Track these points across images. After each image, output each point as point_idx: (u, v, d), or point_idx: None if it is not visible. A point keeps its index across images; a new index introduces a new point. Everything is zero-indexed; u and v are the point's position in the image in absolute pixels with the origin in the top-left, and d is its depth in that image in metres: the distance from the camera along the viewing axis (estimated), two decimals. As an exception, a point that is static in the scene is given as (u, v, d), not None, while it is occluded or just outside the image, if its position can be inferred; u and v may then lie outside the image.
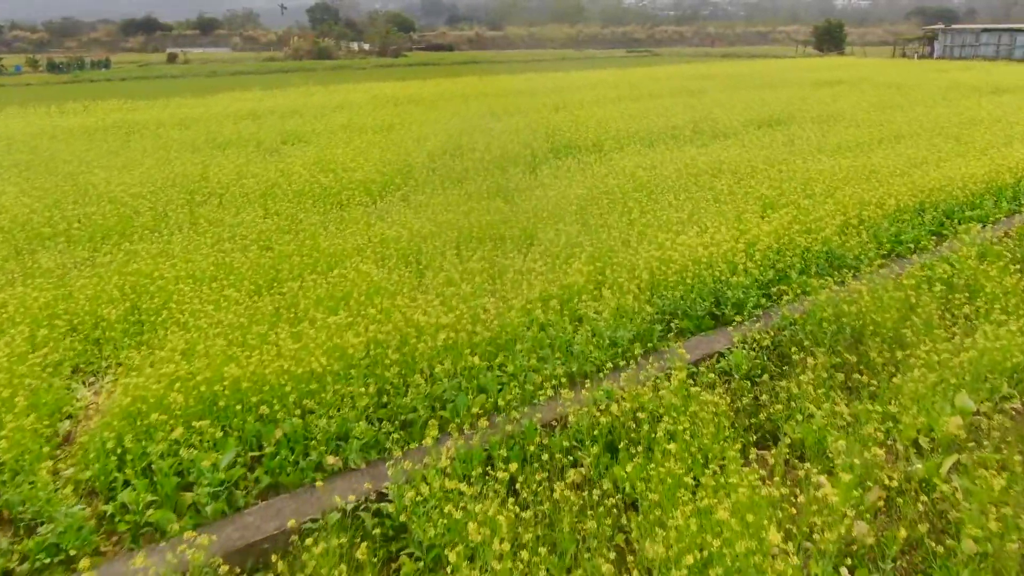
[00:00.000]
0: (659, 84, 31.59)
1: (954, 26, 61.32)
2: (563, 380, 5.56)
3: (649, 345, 6.47)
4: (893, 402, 5.29)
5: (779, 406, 5.34)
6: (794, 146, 15.13)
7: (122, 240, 9.33)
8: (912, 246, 9.32)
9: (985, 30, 57.48)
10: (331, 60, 65.21)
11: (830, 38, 71.32)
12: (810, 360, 5.73)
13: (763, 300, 7.45)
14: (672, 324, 6.92)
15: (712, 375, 5.74)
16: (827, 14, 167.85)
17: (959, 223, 10.07)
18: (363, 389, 5.37)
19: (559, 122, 19.21)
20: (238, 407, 5.12)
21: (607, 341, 6.32)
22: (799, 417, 5.18)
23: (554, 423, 5.20)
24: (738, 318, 6.90)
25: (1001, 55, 54.73)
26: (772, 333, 6.66)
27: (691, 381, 5.39)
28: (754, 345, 6.43)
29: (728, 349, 6.38)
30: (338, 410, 5.23)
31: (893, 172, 12.21)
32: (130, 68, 57.01)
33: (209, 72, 54.38)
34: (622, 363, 5.84)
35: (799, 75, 36.51)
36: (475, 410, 5.27)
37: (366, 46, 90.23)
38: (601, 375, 5.88)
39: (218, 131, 19.50)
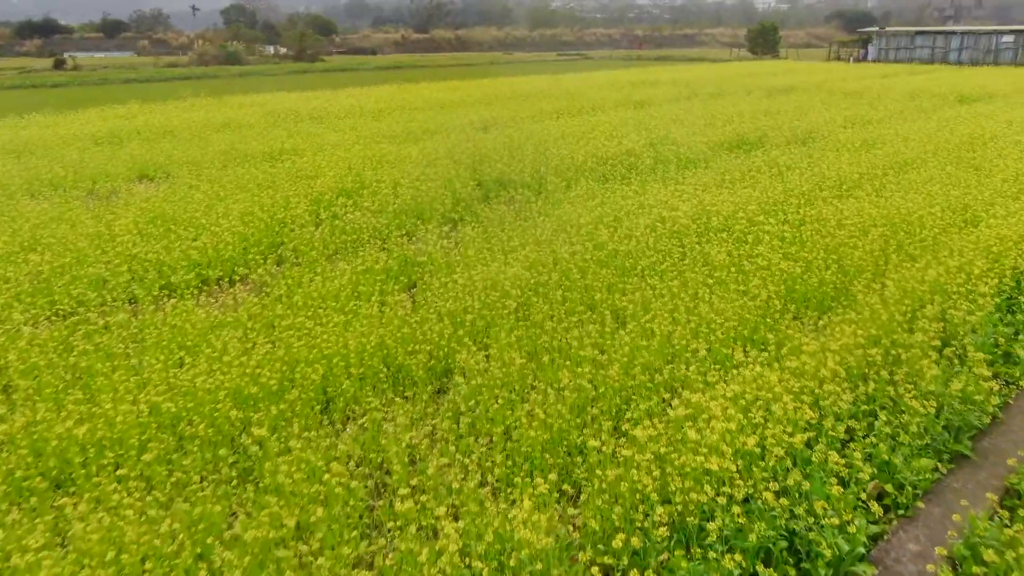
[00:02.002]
0: (600, 93, 28.30)
1: (888, 29, 60.40)
2: None
3: None
4: None
5: None
6: (786, 181, 11.87)
7: None
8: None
9: (919, 32, 56.60)
10: (240, 66, 59.88)
11: (764, 41, 69.84)
12: None
13: None
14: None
15: None
16: (749, 17, 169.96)
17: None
18: None
19: (488, 147, 15.57)
20: None
21: None
22: None
23: None
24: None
25: (936, 58, 53.82)
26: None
27: None
28: None
29: None
30: None
31: (937, 223, 9.02)
32: (8, 75, 50.63)
33: (99, 80, 48.57)
34: None
35: (746, 81, 33.85)
36: None
37: (282, 50, 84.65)
38: None
39: (53, 162, 15.13)
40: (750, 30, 74.69)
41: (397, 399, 5.65)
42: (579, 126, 18.70)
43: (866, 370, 5.32)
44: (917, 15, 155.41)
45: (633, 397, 5.32)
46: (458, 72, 49.24)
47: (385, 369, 6.04)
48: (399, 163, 14.37)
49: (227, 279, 8.52)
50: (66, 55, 63.00)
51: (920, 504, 4.44)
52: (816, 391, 4.98)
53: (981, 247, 8.08)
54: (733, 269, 7.80)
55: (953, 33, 55.21)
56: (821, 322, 6.56)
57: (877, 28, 62.95)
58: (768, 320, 6.53)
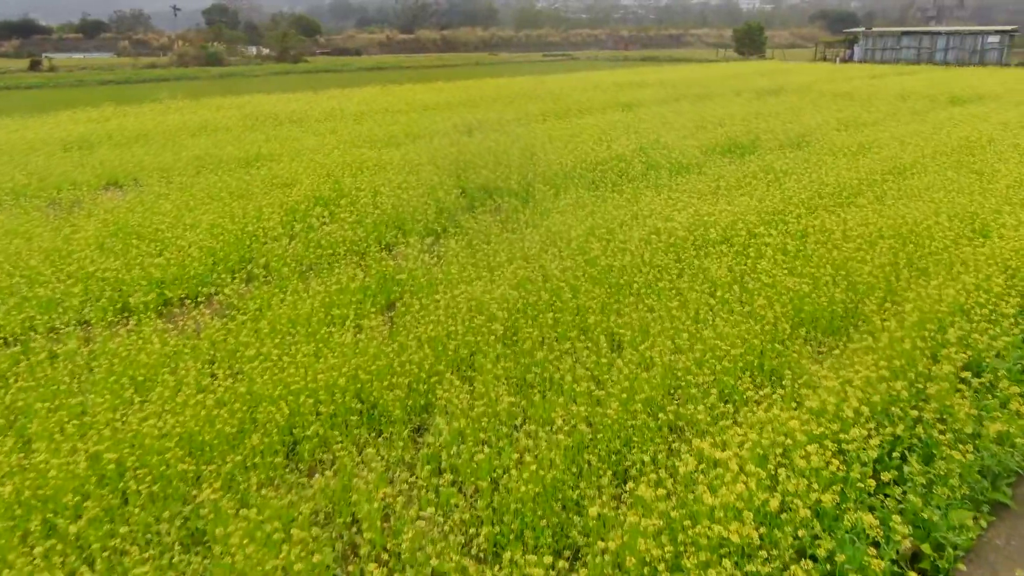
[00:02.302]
0: (587, 95, 27.79)
1: (874, 29, 60.30)
2: None
3: None
4: None
5: None
6: (784, 187, 11.39)
7: None
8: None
9: (905, 33, 56.51)
10: (221, 66, 58.88)
11: (750, 41, 69.59)
12: None
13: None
14: None
15: None
16: (734, 17, 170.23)
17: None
18: None
19: (473, 152, 15.00)
20: None
21: None
22: None
23: None
24: None
25: (923, 58, 53.74)
26: None
27: None
28: None
29: None
30: None
31: (947, 234, 8.54)
32: (-17, 77, 49.48)
33: (75, 81, 47.47)
34: None
35: (735, 83, 33.46)
36: None
37: (265, 51, 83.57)
38: None
39: (16, 169, 14.40)
40: (736, 30, 74.45)
41: (372, 441, 5.08)
42: (567, 129, 18.16)
43: (891, 407, 4.79)
44: (900, 15, 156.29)
45: (634, 439, 4.78)
46: (443, 73, 48.62)
47: (359, 404, 5.47)
48: (380, 169, 13.78)
49: (192, 298, 7.91)
50: (43, 56, 61.73)
51: (962, 567, 3.92)
52: (840, 435, 4.45)
53: (997, 262, 7.61)
54: (736, 287, 7.28)
55: (939, 33, 55.18)
56: (836, 350, 6.04)
57: (863, 28, 62.87)
58: (777, 345, 6.01)
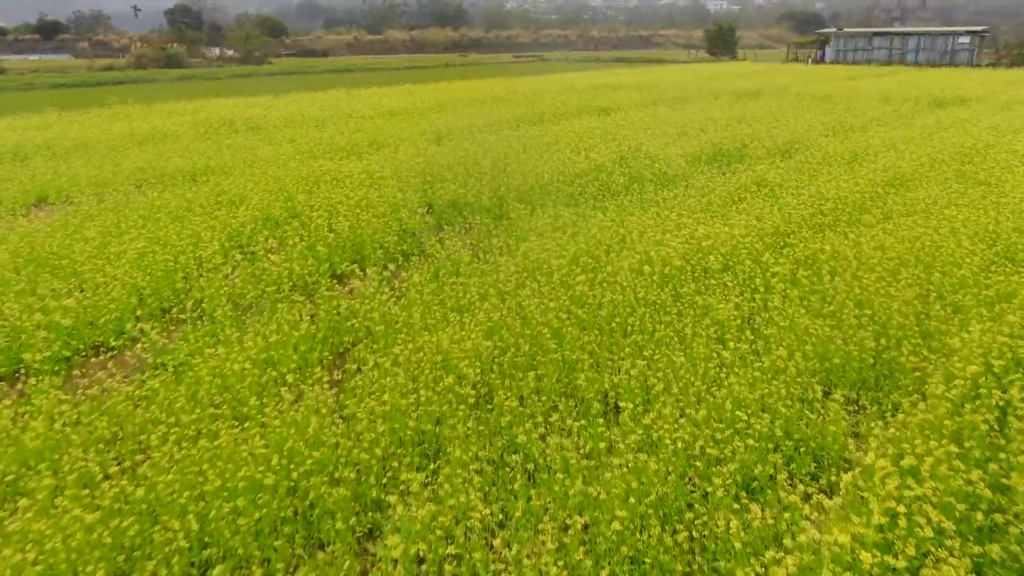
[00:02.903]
0: (560, 98, 26.72)
1: (846, 30, 60.11)
2: None
3: None
4: None
5: None
6: (781, 203, 10.40)
7: None
8: None
9: (877, 34, 56.37)
10: (181, 68, 56.84)
11: (722, 42, 69.14)
12: None
13: None
14: None
15: None
16: (702, 18, 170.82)
17: None
18: None
19: (441, 162, 13.86)
20: None
21: None
22: None
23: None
24: None
25: (894, 59, 53.60)
26: None
27: None
28: None
29: None
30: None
31: (973, 260, 7.57)
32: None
33: (24, 84, 45.22)
34: None
35: (712, 84, 32.66)
36: None
37: (228, 52, 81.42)
38: None
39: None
40: (708, 31, 74.00)
41: (307, 560, 3.92)
42: (541, 137, 17.06)
43: (980, 520, 3.72)
44: (865, 16, 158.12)
45: (646, 562, 3.67)
46: (411, 75, 47.28)
47: (295, 503, 4.31)
48: (339, 183, 12.55)
49: (106, 349, 6.67)
50: (-7, 58, 59.19)
51: None
52: (921, 568, 3.37)
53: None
54: (747, 332, 6.23)
55: (910, 34, 55.12)
56: (880, 420, 4.99)
57: (835, 29, 62.72)
58: (808, 413, 4.96)
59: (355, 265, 8.75)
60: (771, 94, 27.68)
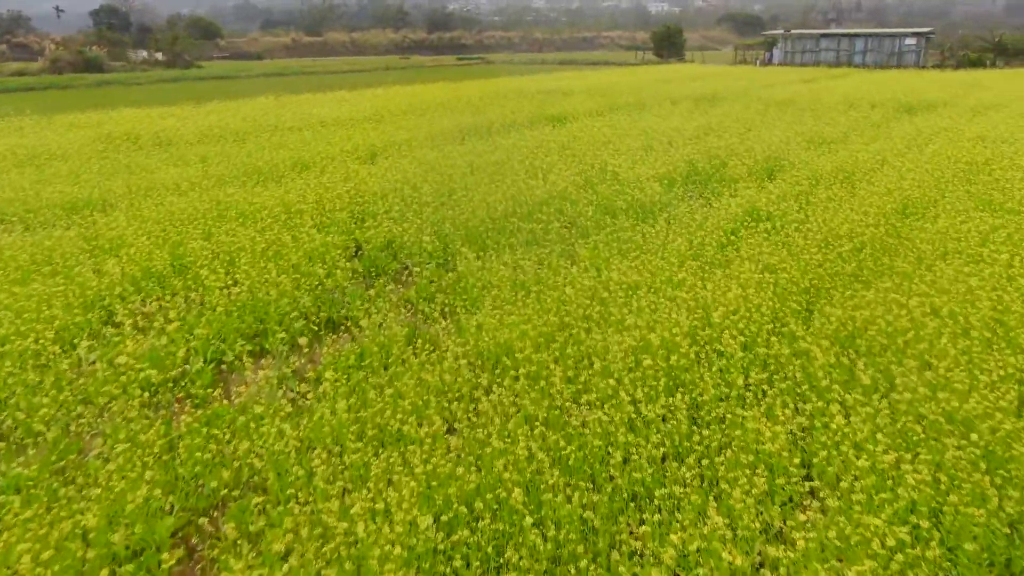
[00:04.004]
0: (509, 105, 24.68)
1: (793, 31, 59.60)
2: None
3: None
4: None
5: None
6: (790, 246, 8.55)
7: None
8: None
9: (824, 35, 55.96)
10: (100, 73, 52.94)
11: (669, 44, 68.13)
12: None
13: None
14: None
15: None
16: (643, 19, 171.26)
17: None
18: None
19: (374, 189, 11.70)
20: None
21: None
22: None
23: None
24: None
25: (842, 60, 53.18)
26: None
27: None
28: None
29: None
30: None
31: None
32: None
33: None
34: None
35: (667, 88, 31.06)
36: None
37: (157, 55, 77.06)
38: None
39: None
40: (655, 32, 72.90)
41: None
42: (490, 153, 14.97)
43: None
44: (802, 18, 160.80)
45: None
46: (348, 80, 44.67)
47: None
48: (247, 219, 10.26)
49: None
50: None
51: None
52: None
53: None
54: (812, 476, 4.25)
55: (857, 35, 54.81)
56: None
57: (782, 31, 62.25)
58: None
59: (252, 343, 6.53)
60: (730, 99, 26.15)
